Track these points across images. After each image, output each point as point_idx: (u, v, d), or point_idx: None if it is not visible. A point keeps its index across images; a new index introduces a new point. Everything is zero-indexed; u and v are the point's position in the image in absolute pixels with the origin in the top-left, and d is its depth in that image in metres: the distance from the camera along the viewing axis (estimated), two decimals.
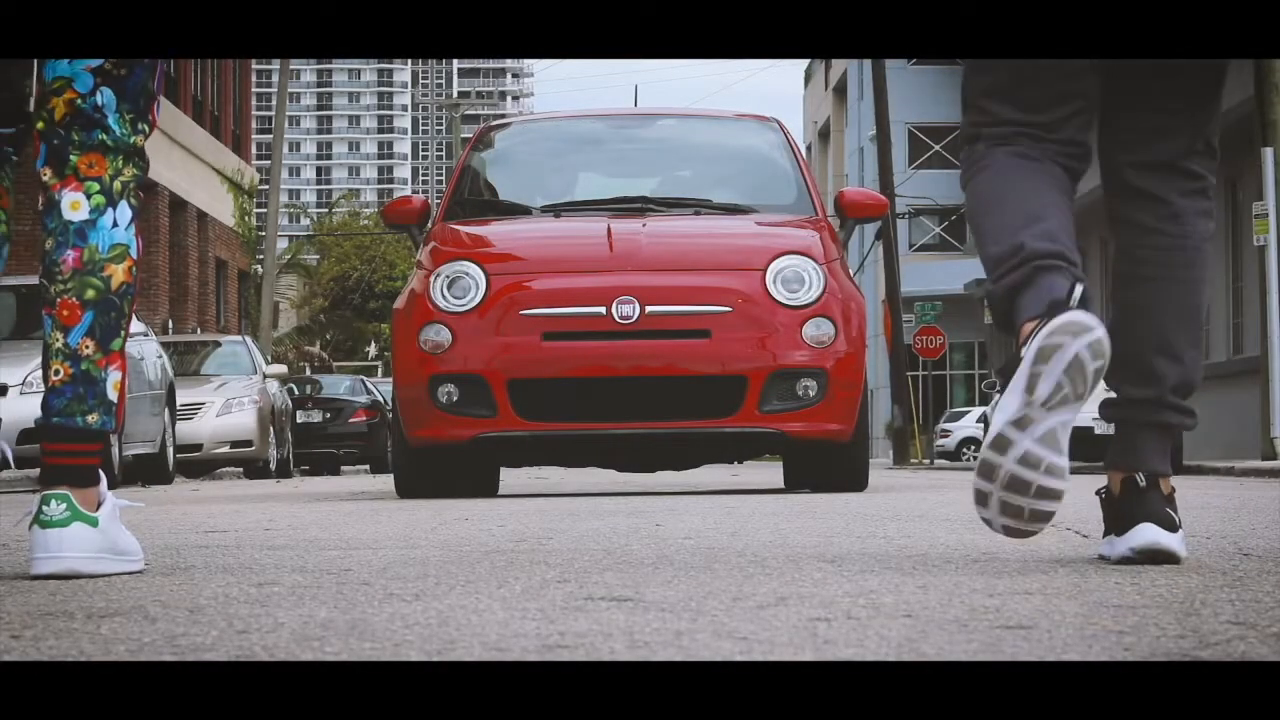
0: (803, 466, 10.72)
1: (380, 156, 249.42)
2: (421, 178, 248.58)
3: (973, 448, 45.15)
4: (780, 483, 12.26)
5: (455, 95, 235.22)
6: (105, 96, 3.60)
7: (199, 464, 23.82)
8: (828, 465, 10.32)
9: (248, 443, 23.67)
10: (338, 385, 36.05)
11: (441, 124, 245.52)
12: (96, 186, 3.56)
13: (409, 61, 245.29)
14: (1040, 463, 3.38)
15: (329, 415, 33.37)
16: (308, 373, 53.69)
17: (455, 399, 9.82)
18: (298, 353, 64.98)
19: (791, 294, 9.88)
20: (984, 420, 25.14)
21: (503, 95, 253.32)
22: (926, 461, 40.89)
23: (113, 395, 3.55)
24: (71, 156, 3.59)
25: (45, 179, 3.61)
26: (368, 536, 5.27)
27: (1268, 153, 22.86)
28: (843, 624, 2.59)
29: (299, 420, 31.63)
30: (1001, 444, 3.40)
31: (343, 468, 33.70)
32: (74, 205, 3.55)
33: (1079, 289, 3.46)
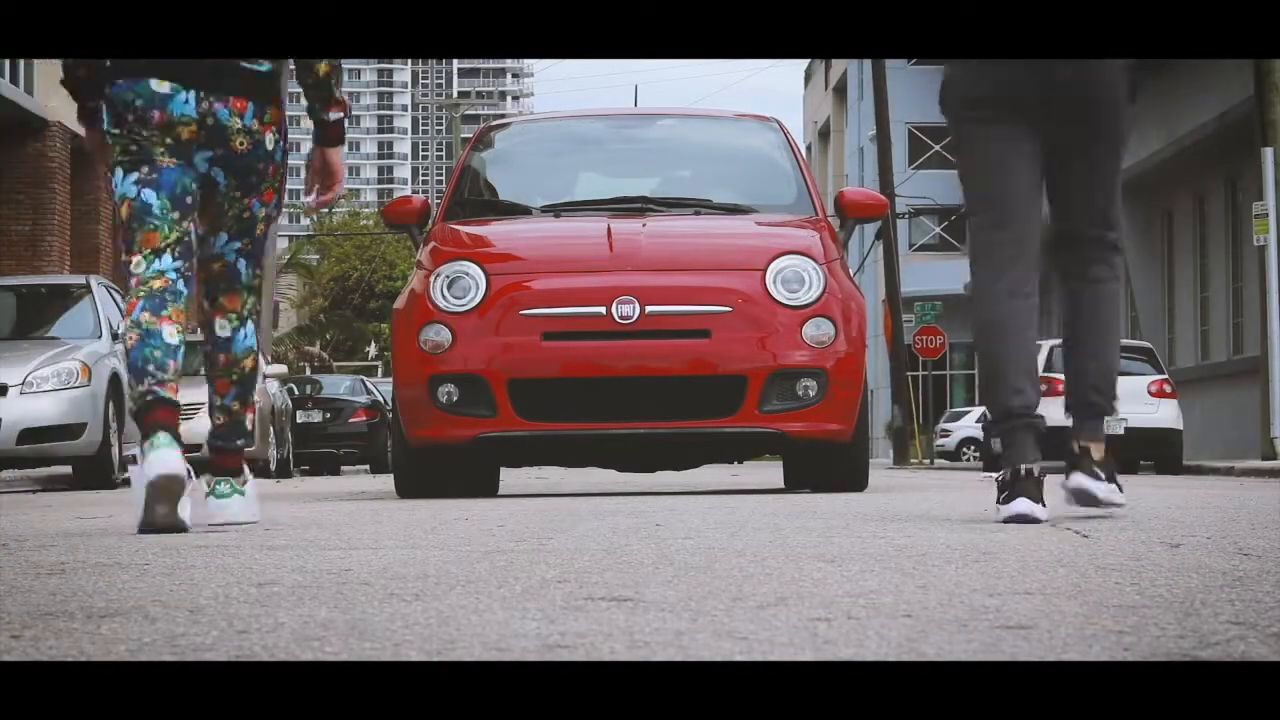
0: (803, 466, 10.72)
1: (380, 156, 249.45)
2: (421, 178, 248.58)
3: (972, 447, 45.16)
4: (780, 483, 12.26)
5: (455, 95, 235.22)
6: (241, 263, 6.09)
7: (199, 463, 23.76)
8: (828, 465, 10.31)
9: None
10: (338, 385, 36.03)
11: (441, 124, 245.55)
12: (234, 315, 6.10)
13: (409, 61, 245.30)
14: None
15: (329, 415, 33.37)
16: (308, 373, 53.69)
17: (455, 399, 9.81)
18: (298, 353, 64.99)
19: (791, 294, 9.87)
20: (984, 419, 25.24)
21: (503, 95, 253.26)
22: (926, 461, 40.90)
23: (249, 427, 6.18)
24: (220, 298, 6.10)
25: (205, 308, 6.11)
26: (368, 536, 5.27)
27: (1268, 153, 22.86)
28: (843, 624, 2.59)
29: (299, 420, 31.61)
30: None
31: (343, 468, 33.69)
32: (221, 327, 6.10)
33: (1036, 468, 5.63)
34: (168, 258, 5.78)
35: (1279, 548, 4.28)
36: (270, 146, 5.97)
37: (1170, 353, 33.62)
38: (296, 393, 32.66)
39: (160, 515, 5.47)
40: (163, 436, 5.58)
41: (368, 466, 33.60)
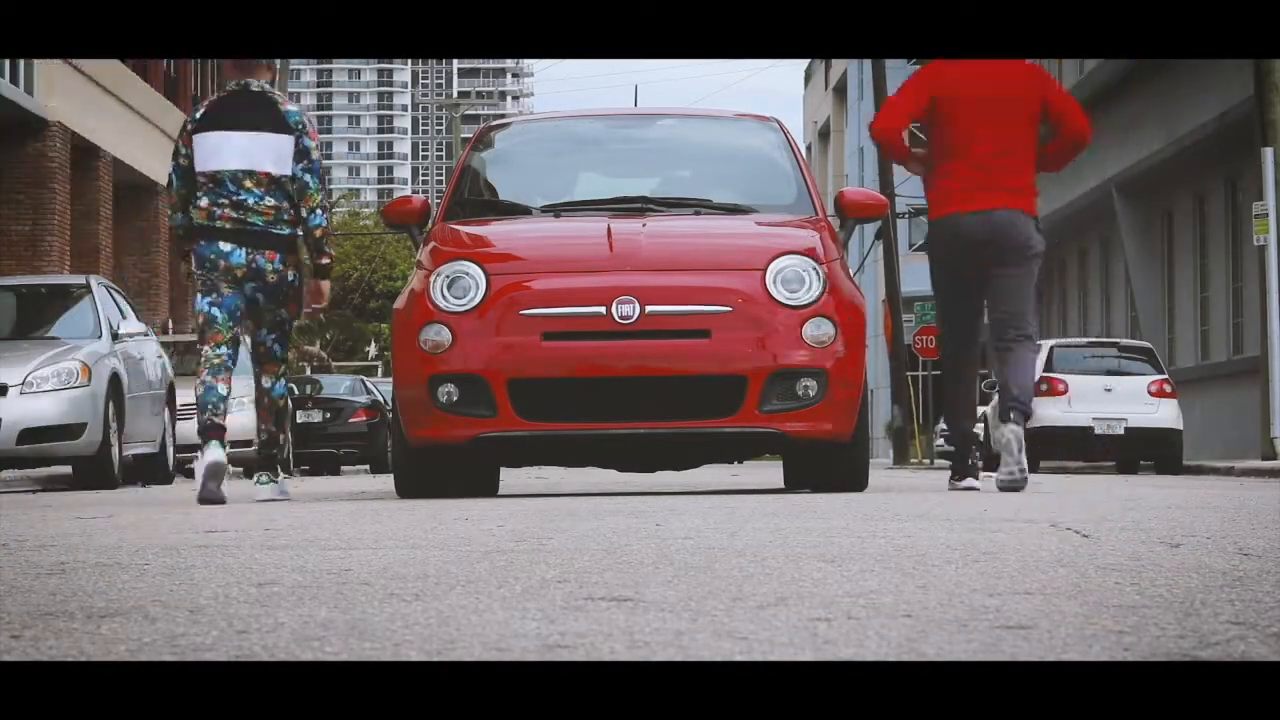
0: (803, 466, 10.71)
1: (380, 156, 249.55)
2: (421, 178, 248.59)
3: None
4: (780, 483, 12.26)
5: (455, 95, 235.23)
6: (277, 346, 10.13)
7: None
8: (828, 465, 10.31)
9: (248, 443, 23.64)
10: (338, 385, 36.01)
11: (441, 124, 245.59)
12: (274, 375, 10.10)
13: (409, 61, 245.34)
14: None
15: (329, 415, 33.35)
16: (308, 373, 53.67)
17: (455, 399, 9.80)
18: (298, 353, 64.97)
19: (791, 294, 9.86)
20: (983, 420, 25.22)
21: (503, 95, 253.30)
22: (926, 461, 40.89)
23: (280, 442, 10.23)
24: (265, 365, 10.07)
25: (256, 371, 10.11)
26: (368, 536, 5.27)
27: (1268, 153, 22.85)
28: (843, 624, 2.59)
29: (299, 420, 31.61)
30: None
31: (343, 468, 33.68)
32: (265, 381, 10.10)
33: (978, 464, 10.60)
34: (224, 348, 9.72)
35: (1279, 548, 4.28)
36: (290, 279, 9.90)
37: (1170, 353, 33.63)
38: (296, 393, 32.65)
39: (210, 490, 9.16)
40: (214, 443, 9.35)
41: (368, 466, 33.59)
